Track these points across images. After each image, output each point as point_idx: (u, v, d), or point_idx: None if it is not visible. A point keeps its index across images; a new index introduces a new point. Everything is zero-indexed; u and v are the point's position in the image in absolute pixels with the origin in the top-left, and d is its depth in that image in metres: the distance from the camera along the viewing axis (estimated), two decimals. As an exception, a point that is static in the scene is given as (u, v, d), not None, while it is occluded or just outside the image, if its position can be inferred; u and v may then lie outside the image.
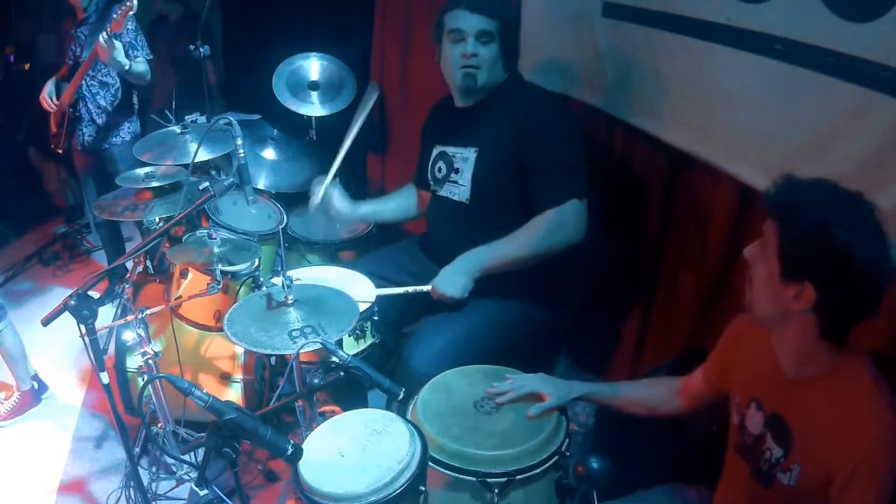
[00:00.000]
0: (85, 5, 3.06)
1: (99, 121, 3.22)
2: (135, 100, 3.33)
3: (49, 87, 3.23)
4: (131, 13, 2.74)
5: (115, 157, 3.27)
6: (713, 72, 1.90)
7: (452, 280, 2.05)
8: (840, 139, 1.56)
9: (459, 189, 2.19)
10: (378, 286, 2.17)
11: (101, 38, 2.84)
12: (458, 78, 2.11)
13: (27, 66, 4.57)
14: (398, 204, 2.59)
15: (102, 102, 3.19)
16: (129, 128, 3.30)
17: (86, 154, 3.31)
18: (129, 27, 3.04)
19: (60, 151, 3.32)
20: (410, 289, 2.12)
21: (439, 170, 2.27)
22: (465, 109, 2.20)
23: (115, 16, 2.74)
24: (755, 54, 1.75)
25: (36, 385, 2.89)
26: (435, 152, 2.31)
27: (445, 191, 2.24)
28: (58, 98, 3.20)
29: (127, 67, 2.98)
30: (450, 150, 2.23)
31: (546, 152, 2.02)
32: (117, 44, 2.89)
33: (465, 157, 2.16)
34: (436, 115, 2.40)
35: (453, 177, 2.20)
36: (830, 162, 1.58)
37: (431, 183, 2.32)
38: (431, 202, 2.37)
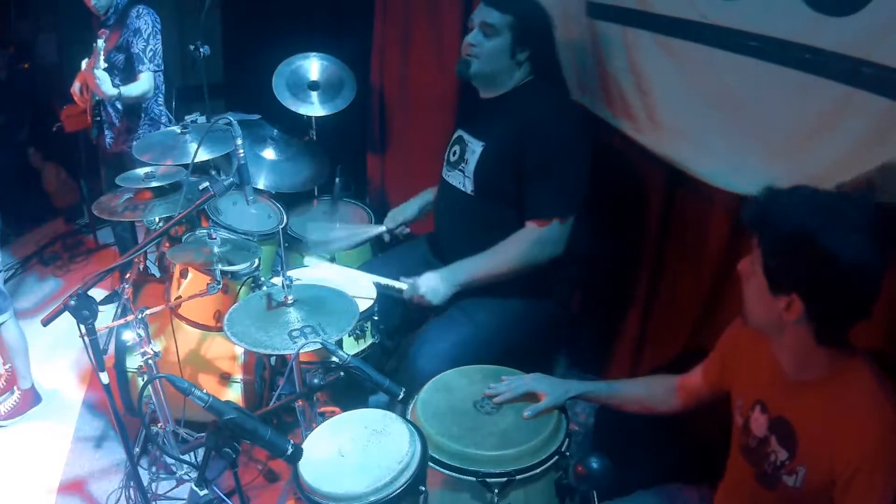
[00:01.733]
0: (102, 11, 3.05)
1: (118, 124, 3.21)
2: (156, 104, 3.29)
3: (77, 85, 3.24)
4: (100, 54, 2.80)
5: (135, 159, 3.27)
6: (688, 70, 1.90)
7: (434, 287, 2.07)
8: (819, 137, 1.55)
9: (465, 180, 2.20)
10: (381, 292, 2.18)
11: (84, 67, 2.91)
12: (459, 62, 2.16)
13: (27, 66, 4.56)
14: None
15: (119, 106, 3.18)
16: (151, 130, 3.27)
17: (110, 154, 3.31)
18: (143, 34, 3.03)
19: (95, 143, 3.34)
20: (384, 281, 2.14)
21: (454, 153, 2.28)
22: (486, 101, 2.21)
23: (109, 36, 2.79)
24: (731, 52, 1.74)
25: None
26: (455, 135, 2.32)
27: (453, 178, 2.26)
28: (87, 90, 3.21)
29: (115, 95, 2.98)
30: (466, 137, 2.25)
31: (545, 162, 2.02)
32: (101, 75, 2.90)
33: (474, 150, 2.17)
34: (469, 98, 2.40)
35: (462, 166, 2.21)
36: (810, 161, 1.56)
37: (444, 164, 2.33)
38: (439, 186, 2.38)
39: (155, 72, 3.10)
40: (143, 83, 3.07)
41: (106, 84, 2.94)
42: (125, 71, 3.09)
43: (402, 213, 2.54)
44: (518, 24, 2.08)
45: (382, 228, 2.52)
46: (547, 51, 2.18)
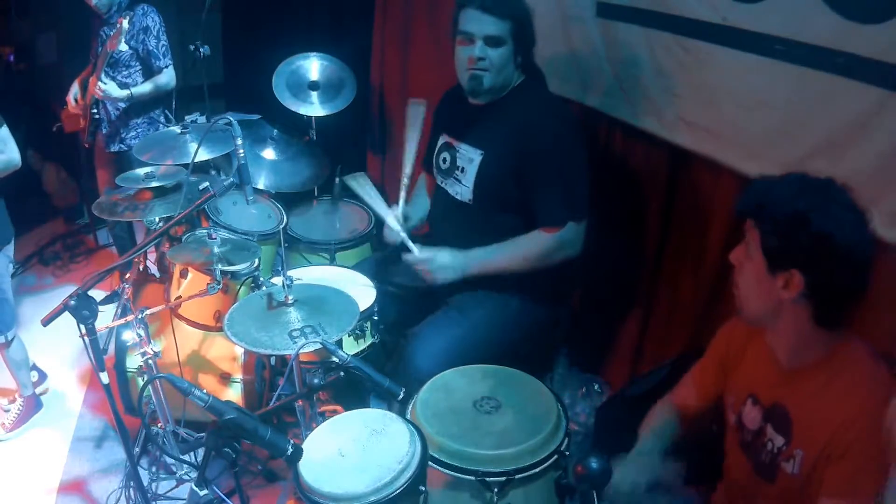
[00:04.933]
0: (104, 10, 3.06)
1: (117, 123, 3.21)
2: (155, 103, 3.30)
3: (74, 89, 3.24)
4: (121, 36, 2.78)
5: (132, 158, 3.26)
6: (716, 71, 1.90)
7: (445, 269, 2.07)
8: (854, 139, 1.57)
9: (462, 189, 2.18)
10: (379, 289, 2.17)
11: (90, 83, 2.93)
12: (465, 80, 2.11)
13: (23, 66, 4.55)
14: (423, 203, 2.49)
15: (121, 105, 3.18)
16: (149, 130, 3.26)
17: (107, 154, 3.30)
18: (153, 31, 3.04)
19: (87, 146, 3.34)
20: (401, 231, 2.13)
21: (444, 160, 2.26)
22: (476, 107, 2.18)
23: (110, 35, 2.78)
24: (756, 55, 1.75)
25: (36, 375, 2.92)
26: (441, 141, 2.29)
27: (449, 186, 2.24)
28: (83, 97, 3.20)
29: (128, 95, 3.00)
30: (455, 143, 2.22)
31: (550, 168, 2.01)
32: (107, 85, 2.93)
33: (471, 158, 2.16)
34: (448, 101, 2.36)
35: (457, 174, 2.19)
36: (848, 160, 1.59)
37: (436, 172, 2.32)
38: (435, 194, 2.37)
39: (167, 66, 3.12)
40: (166, 76, 3.10)
41: (113, 90, 2.97)
42: (129, 66, 3.09)
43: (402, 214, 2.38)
44: (517, 28, 2.04)
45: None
46: (532, 47, 2.14)
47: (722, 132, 1.93)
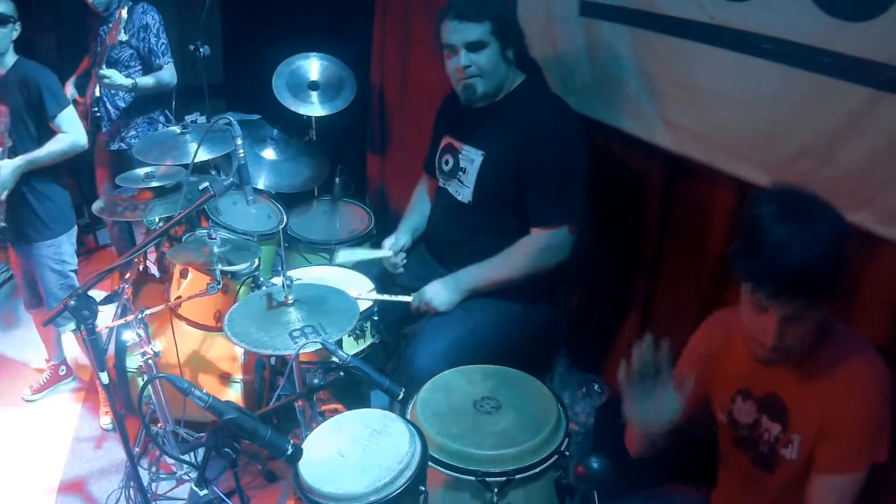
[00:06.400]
0: (102, 8, 3.06)
1: (118, 121, 3.20)
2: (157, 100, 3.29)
3: (71, 88, 3.24)
4: (121, 25, 2.77)
5: (132, 158, 3.26)
6: (702, 71, 1.89)
7: (441, 296, 2.09)
8: (845, 139, 1.56)
9: (463, 189, 2.18)
10: (380, 291, 2.18)
11: (93, 73, 2.93)
12: (459, 91, 2.10)
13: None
14: (424, 210, 2.49)
15: (121, 103, 3.17)
16: (149, 129, 3.26)
17: (107, 153, 3.30)
18: (153, 29, 3.04)
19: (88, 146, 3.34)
20: (388, 297, 2.15)
21: (446, 162, 2.26)
22: (477, 108, 2.17)
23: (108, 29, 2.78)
24: (743, 54, 1.74)
25: (65, 370, 3.03)
26: (443, 143, 2.30)
27: (450, 187, 2.24)
28: (81, 95, 3.20)
29: (133, 84, 3.00)
30: (458, 145, 2.22)
31: (547, 171, 2.01)
32: (110, 73, 2.92)
33: (472, 159, 2.15)
34: (449, 104, 2.35)
35: (460, 175, 2.19)
36: (837, 161, 1.58)
37: (438, 174, 2.32)
38: (437, 196, 2.37)
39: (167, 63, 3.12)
40: (167, 72, 3.10)
41: (118, 78, 2.95)
42: (128, 66, 3.09)
43: (398, 244, 2.37)
44: (497, 26, 2.01)
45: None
46: (522, 39, 2.12)
47: (707, 133, 1.92)
